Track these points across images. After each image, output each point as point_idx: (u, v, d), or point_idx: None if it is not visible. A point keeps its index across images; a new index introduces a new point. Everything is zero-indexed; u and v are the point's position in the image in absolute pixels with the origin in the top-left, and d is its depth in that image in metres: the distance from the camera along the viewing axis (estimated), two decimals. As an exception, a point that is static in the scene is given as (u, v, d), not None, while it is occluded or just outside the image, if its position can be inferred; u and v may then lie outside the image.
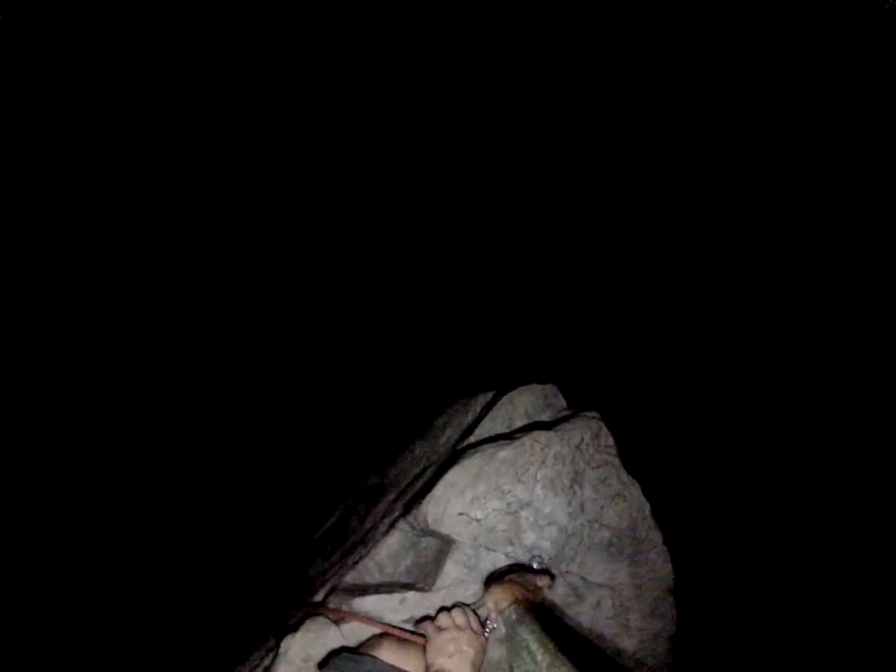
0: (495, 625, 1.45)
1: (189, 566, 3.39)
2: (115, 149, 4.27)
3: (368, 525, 1.89)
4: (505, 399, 1.81)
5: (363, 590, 1.63)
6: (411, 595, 1.61)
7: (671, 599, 1.90)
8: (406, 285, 4.56)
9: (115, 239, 4.22)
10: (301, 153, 4.70)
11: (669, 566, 1.87)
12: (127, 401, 4.00)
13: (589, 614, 1.75)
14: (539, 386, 1.85)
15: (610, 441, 1.78)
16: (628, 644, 1.82)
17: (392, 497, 1.95)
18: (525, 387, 1.83)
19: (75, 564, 3.37)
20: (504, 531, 1.64)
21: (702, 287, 4.47)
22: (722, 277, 4.44)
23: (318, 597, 1.74)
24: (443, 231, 4.66)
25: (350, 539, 2.01)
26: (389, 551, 1.69)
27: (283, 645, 1.59)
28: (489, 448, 1.66)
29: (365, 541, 1.79)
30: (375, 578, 1.67)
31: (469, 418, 1.89)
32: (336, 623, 1.60)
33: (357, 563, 1.70)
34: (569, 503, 1.70)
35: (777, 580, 3.39)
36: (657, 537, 1.83)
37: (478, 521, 1.62)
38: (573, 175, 4.73)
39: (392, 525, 1.72)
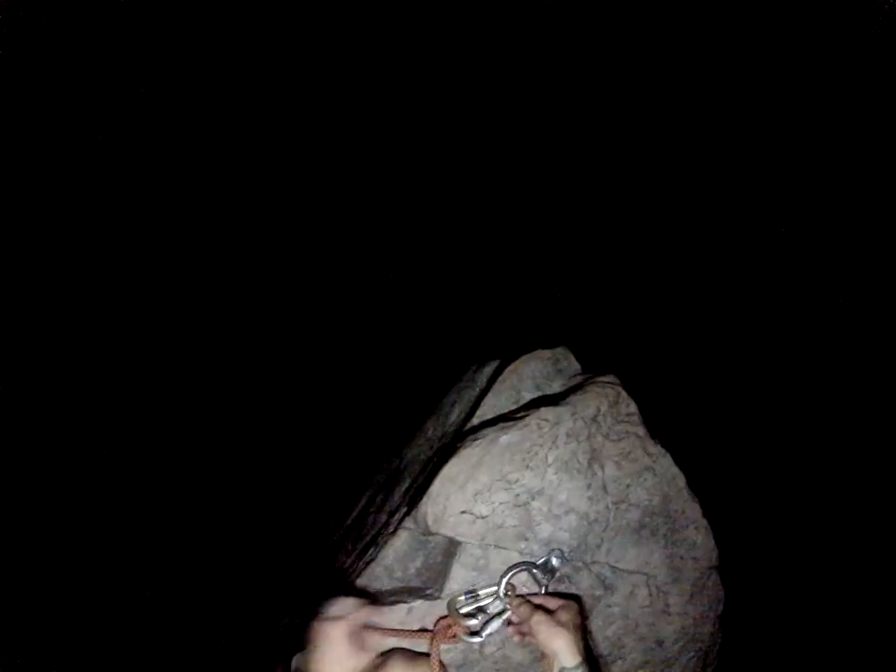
0: None
1: (208, 560, 3.29)
2: (115, 149, 4.22)
3: (383, 519, 1.68)
4: (509, 369, 1.55)
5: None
6: (418, 604, 1.41)
7: (716, 577, 1.67)
8: (407, 253, 4.35)
9: (115, 239, 4.17)
10: (294, 137, 4.61)
11: (711, 541, 1.64)
12: (149, 386, 3.96)
13: (622, 605, 1.53)
14: (548, 351, 1.59)
15: (632, 407, 1.52)
16: (669, 631, 1.61)
17: (406, 485, 1.73)
18: (530, 355, 1.57)
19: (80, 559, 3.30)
20: (515, 526, 1.42)
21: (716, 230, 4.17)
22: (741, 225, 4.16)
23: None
24: (440, 194, 4.41)
25: (368, 536, 1.80)
26: (397, 553, 1.48)
27: (294, 662, 1.41)
28: (490, 433, 1.42)
29: (376, 540, 1.58)
30: (384, 584, 1.47)
31: (476, 392, 1.65)
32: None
33: (365, 567, 1.50)
34: (589, 486, 1.46)
35: (830, 547, 3.15)
36: (695, 510, 1.60)
37: (483, 518, 1.40)
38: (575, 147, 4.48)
39: (399, 524, 1.50)
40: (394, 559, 1.48)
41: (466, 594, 1.39)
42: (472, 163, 4.53)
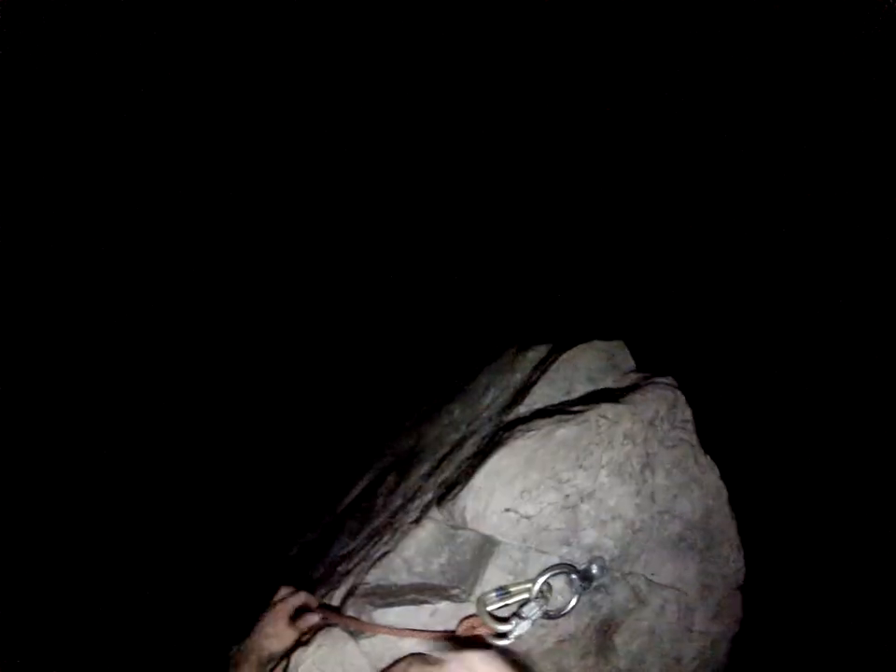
0: None
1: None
2: (115, 149, 4.19)
3: (397, 503, 1.53)
4: (564, 357, 1.43)
5: (386, 596, 1.28)
6: (443, 605, 1.27)
7: (739, 597, 1.61)
8: (446, 222, 4.25)
9: (115, 239, 4.13)
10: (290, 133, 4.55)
11: (742, 560, 1.57)
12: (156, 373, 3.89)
13: (651, 620, 1.45)
14: (604, 343, 1.48)
15: (688, 414, 1.43)
16: (689, 649, 1.54)
17: (426, 469, 1.58)
18: (586, 344, 1.46)
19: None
20: (560, 529, 1.30)
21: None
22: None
23: (336, 599, 1.40)
24: (487, 177, 4.35)
25: (378, 519, 1.64)
26: (420, 546, 1.33)
27: (293, 658, 1.25)
28: (544, 425, 1.29)
29: (392, 525, 1.43)
30: (403, 578, 1.33)
31: (518, 378, 1.52)
32: (354, 635, 1.26)
33: (382, 557, 1.35)
34: (638, 492, 1.36)
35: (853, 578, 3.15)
36: (732, 527, 1.52)
37: (528, 518, 1.28)
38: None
39: (424, 513, 1.36)
40: (416, 552, 1.34)
41: (497, 590, 1.26)
42: (518, 151, 4.44)
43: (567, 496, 1.30)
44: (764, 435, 3.28)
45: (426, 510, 1.37)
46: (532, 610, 1.25)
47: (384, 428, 2.01)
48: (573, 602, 1.30)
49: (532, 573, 1.30)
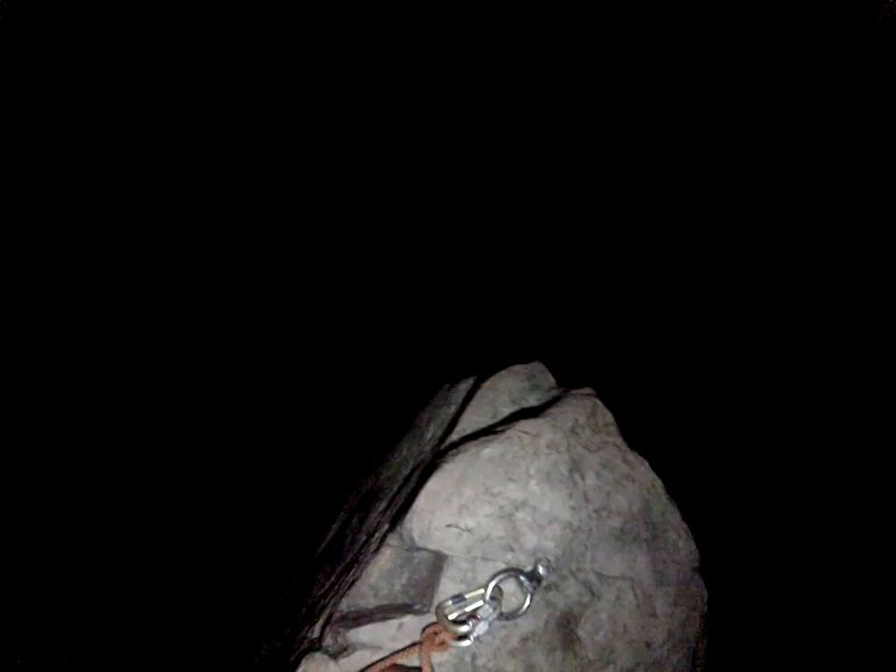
0: None
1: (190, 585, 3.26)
2: (115, 149, 4.24)
3: (362, 539, 1.71)
4: (486, 385, 1.61)
5: (358, 618, 1.45)
6: (408, 619, 1.44)
7: (698, 579, 1.72)
8: (377, 270, 4.35)
9: (114, 239, 4.17)
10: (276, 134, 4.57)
11: (692, 544, 1.69)
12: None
13: (609, 610, 1.57)
14: (523, 366, 1.65)
15: (609, 418, 1.58)
16: (657, 633, 1.65)
17: (383, 504, 1.76)
18: (506, 371, 1.63)
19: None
20: (500, 537, 1.46)
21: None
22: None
23: (316, 631, 1.58)
24: (406, 213, 4.43)
25: (348, 556, 1.83)
26: (381, 571, 1.51)
27: None
28: (471, 447, 1.46)
29: (358, 559, 1.61)
30: (371, 602, 1.50)
31: (452, 409, 1.69)
32: (334, 657, 1.43)
33: (350, 586, 1.53)
34: (570, 495, 1.51)
35: (811, 547, 3.22)
36: (674, 514, 1.65)
37: (469, 531, 1.44)
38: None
39: (382, 541, 1.53)
40: (378, 577, 1.51)
41: (453, 598, 1.42)
42: (438, 183, 4.53)
43: (502, 506, 1.46)
44: (689, 428, 3.37)
45: (383, 539, 1.54)
46: (486, 612, 1.41)
47: (349, 474, 2.18)
48: (527, 602, 1.45)
49: (482, 580, 1.45)
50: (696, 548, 1.69)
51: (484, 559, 1.45)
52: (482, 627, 1.39)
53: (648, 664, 1.66)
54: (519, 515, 1.47)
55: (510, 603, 1.45)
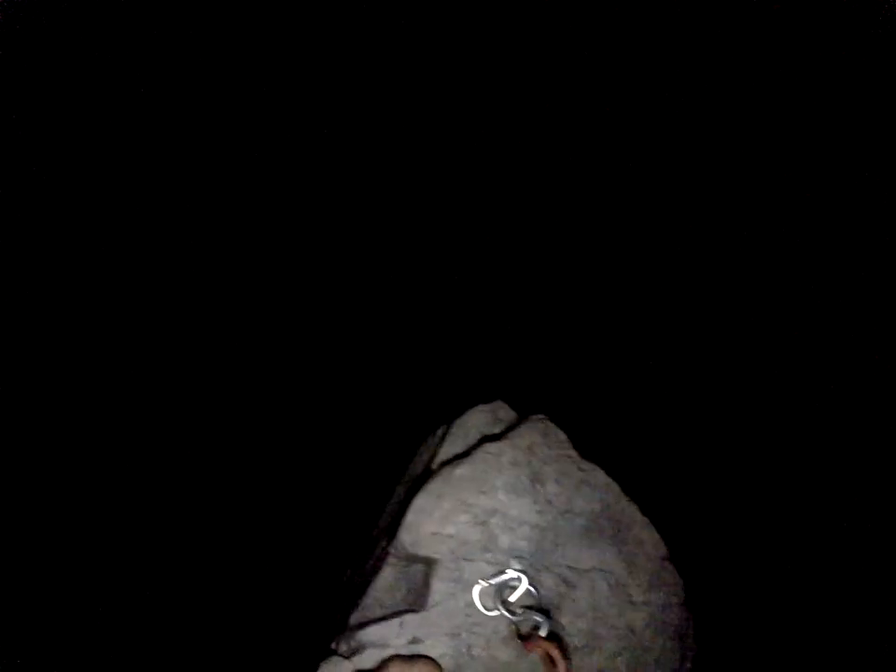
0: None
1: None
2: (115, 149, 4.27)
3: (370, 564, 2.06)
4: (457, 423, 1.97)
5: (364, 624, 1.80)
6: (408, 617, 1.76)
7: (671, 567, 1.97)
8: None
9: (114, 239, 4.19)
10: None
11: (656, 535, 1.94)
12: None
13: (586, 598, 1.84)
14: (487, 405, 2.01)
15: (562, 436, 1.90)
16: (637, 619, 1.89)
17: (385, 542, 2.11)
18: (472, 409, 2.00)
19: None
20: (478, 540, 1.78)
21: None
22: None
23: (333, 644, 1.92)
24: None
25: (363, 581, 2.15)
26: (384, 585, 1.86)
27: None
28: (447, 469, 1.82)
29: (368, 580, 1.96)
30: (377, 613, 1.83)
31: (432, 450, 2.06)
32: (348, 658, 1.77)
33: (360, 601, 1.88)
34: (535, 501, 1.83)
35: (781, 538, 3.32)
36: (634, 511, 1.92)
37: (451, 536, 1.78)
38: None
39: (383, 559, 1.89)
40: (383, 591, 1.85)
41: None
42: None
43: (476, 515, 1.79)
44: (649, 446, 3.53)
45: (384, 555, 1.89)
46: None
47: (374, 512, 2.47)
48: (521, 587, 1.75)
49: (467, 577, 1.76)
50: (661, 540, 1.94)
51: (466, 559, 1.78)
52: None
53: (633, 647, 1.90)
54: (492, 521, 1.79)
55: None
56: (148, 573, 3.47)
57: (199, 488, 3.75)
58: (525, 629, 1.72)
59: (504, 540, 1.80)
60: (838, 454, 3.58)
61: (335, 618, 2.10)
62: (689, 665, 2.07)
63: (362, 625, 1.81)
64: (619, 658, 1.87)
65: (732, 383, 3.94)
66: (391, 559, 1.87)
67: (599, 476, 1.89)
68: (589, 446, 1.93)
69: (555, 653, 1.63)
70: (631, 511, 1.91)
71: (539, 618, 1.70)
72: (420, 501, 1.80)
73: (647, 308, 4.23)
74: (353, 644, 1.80)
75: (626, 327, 4.20)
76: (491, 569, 1.77)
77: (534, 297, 4.35)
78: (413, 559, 1.83)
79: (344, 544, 2.51)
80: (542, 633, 1.69)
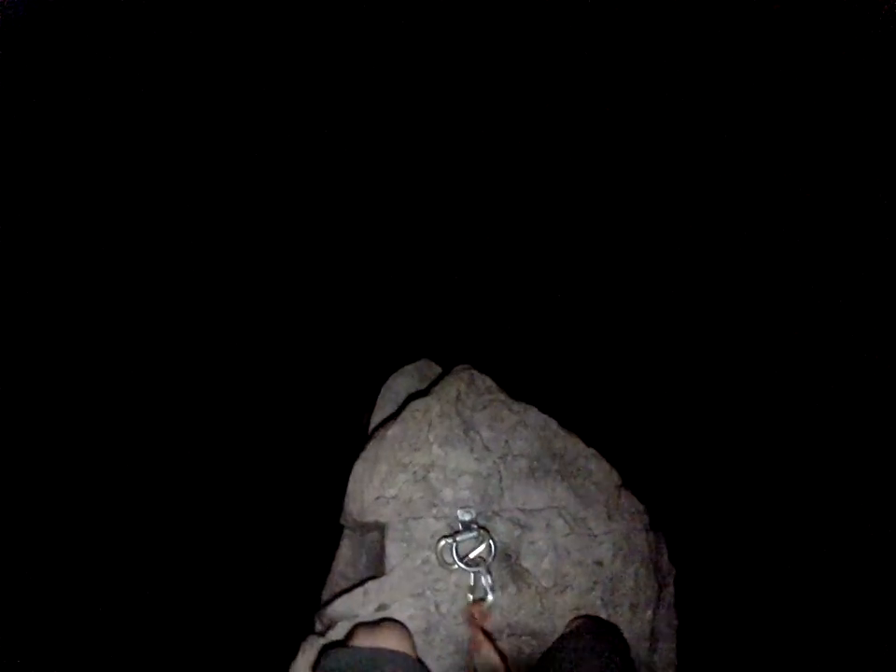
0: None
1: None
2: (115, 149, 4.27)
3: None
4: (385, 386, 2.01)
5: (332, 599, 1.81)
6: (370, 584, 1.76)
7: (627, 493, 1.95)
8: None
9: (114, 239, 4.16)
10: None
11: (605, 464, 1.93)
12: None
13: (544, 538, 1.83)
14: (411, 365, 2.04)
15: (488, 381, 1.92)
16: (603, 550, 1.87)
17: None
18: (399, 371, 2.03)
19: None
20: (421, 497, 1.79)
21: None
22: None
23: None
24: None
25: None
26: (345, 557, 1.88)
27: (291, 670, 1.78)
28: (379, 433, 1.85)
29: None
30: (342, 586, 1.85)
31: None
32: (322, 634, 1.78)
33: (326, 580, 1.90)
34: (471, 450, 1.84)
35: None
36: (576, 443, 1.92)
37: (394, 497, 1.79)
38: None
39: (340, 538, 1.91)
40: (344, 564, 1.88)
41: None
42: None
43: (415, 472, 1.80)
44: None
45: (340, 535, 1.91)
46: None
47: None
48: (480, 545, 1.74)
49: (417, 536, 1.77)
50: (612, 468, 1.93)
51: (413, 518, 1.79)
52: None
53: (605, 579, 1.87)
54: (431, 476, 1.81)
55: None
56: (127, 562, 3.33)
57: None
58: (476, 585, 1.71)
59: (447, 493, 1.81)
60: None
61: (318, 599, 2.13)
62: (671, 589, 2.03)
63: (331, 601, 1.82)
64: (592, 593, 1.85)
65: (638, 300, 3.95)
66: (346, 531, 1.89)
67: (534, 415, 1.90)
68: (523, 388, 1.94)
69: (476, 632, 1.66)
70: (573, 445, 1.91)
71: (487, 587, 1.70)
72: (358, 469, 1.82)
73: (555, 252, 4.19)
74: (325, 621, 1.81)
75: (542, 271, 4.15)
76: (439, 524, 1.78)
77: (448, 255, 4.25)
78: (364, 527, 1.84)
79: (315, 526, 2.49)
80: (486, 606, 1.69)
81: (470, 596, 1.72)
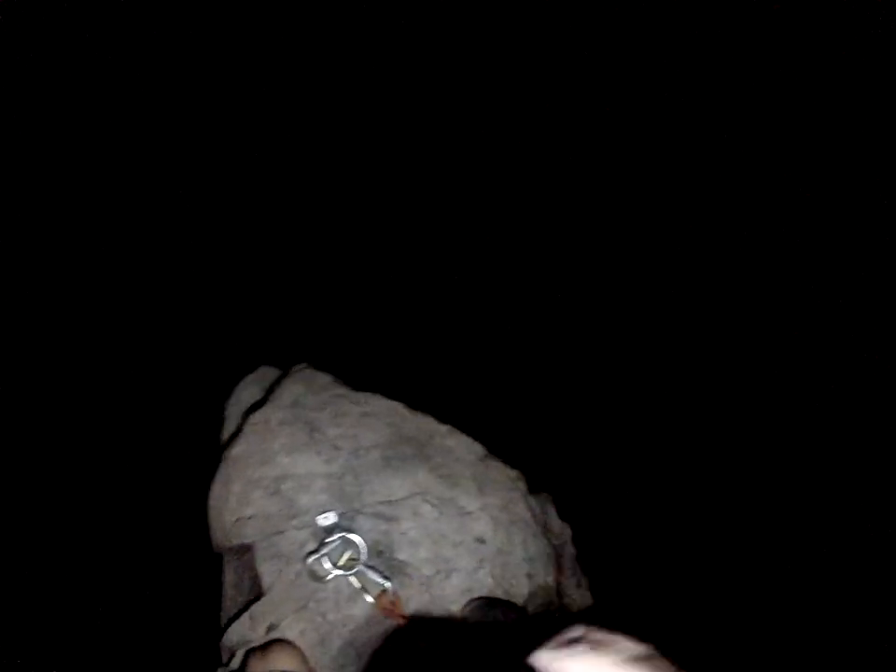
0: None
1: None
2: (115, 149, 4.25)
3: None
4: (230, 403, 1.97)
5: (228, 625, 1.81)
6: (254, 607, 1.75)
7: (495, 462, 1.84)
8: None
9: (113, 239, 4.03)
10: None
11: (464, 437, 1.84)
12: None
13: (415, 527, 1.76)
14: (251, 375, 1.99)
15: (327, 378, 1.86)
16: (481, 525, 1.78)
17: None
18: (240, 384, 1.99)
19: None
20: (279, 511, 1.76)
21: None
22: None
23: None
24: None
25: None
26: (230, 583, 1.87)
27: None
28: (225, 454, 1.83)
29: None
30: (235, 608, 1.86)
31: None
32: (226, 664, 1.79)
33: (221, 608, 1.91)
34: (319, 452, 1.79)
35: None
36: (428, 422, 1.83)
37: (253, 517, 1.77)
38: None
39: (222, 568, 1.91)
40: (232, 589, 1.85)
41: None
42: None
43: (266, 487, 1.77)
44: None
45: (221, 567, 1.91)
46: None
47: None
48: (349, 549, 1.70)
49: (285, 551, 1.74)
50: (473, 440, 1.81)
51: (276, 533, 1.76)
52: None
53: (493, 554, 1.78)
54: (283, 487, 1.77)
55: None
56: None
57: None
58: (366, 585, 1.67)
59: (304, 501, 1.77)
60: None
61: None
62: (570, 548, 1.90)
63: (226, 628, 1.85)
64: (481, 571, 1.76)
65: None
66: (225, 558, 1.89)
67: (379, 402, 1.82)
68: (368, 378, 1.86)
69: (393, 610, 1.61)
70: (427, 425, 1.82)
71: (379, 579, 1.65)
72: (214, 492, 1.81)
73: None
74: (225, 651, 1.84)
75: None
76: (302, 534, 1.74)
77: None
78: (231, 551, 1.84)
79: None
80: (391, 594, 1.64)
81: (368, 597, 1.67)
